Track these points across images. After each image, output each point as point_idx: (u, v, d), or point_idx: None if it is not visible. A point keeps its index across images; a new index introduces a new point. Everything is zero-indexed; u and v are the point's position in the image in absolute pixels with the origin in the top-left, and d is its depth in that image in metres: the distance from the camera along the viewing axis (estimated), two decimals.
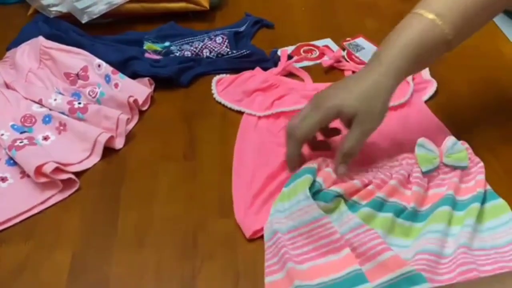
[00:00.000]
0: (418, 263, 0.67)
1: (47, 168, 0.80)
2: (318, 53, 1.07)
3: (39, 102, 0.93)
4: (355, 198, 0.75)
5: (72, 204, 0.81)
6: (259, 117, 0.93)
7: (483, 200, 0.74)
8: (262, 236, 0.74)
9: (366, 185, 0.76)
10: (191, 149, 0.89)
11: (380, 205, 0.73)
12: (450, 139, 0.78)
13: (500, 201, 0.75)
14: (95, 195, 0.82)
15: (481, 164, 0.78)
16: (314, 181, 0.74)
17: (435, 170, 0.77)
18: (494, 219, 0.73)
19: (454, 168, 0.77)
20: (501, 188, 0.78)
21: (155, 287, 0.69)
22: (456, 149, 0.78)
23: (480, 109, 0.93)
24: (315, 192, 0.73)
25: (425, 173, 0.76)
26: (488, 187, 0.77)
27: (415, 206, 0.74)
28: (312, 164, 0.75)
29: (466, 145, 0.79)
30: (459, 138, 0.84)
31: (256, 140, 0.89)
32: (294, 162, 0.77)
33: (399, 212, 0.73)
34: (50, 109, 0.92)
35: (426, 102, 0.95)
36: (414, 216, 0.74)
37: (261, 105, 0.95)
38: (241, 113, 0.94)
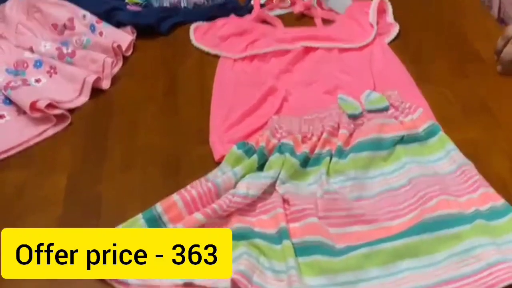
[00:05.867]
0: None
1: (41, 104, 0.88)
2: (289, 2, 1.15)
3: (30, 50, 1.00)
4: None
5: (65, 136, 0.89)
6: (235, 60, 1.01)
7: (429, 134, 0.81)
8: None
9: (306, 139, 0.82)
10: (172, 88, 0.97)
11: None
12: (366, 92, 0.87)
13: (442, 135, 0.81)
14: (85, 128, 0.90)
15: (415, 106, 0.84)
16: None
17: (360, 117, 0.84)
18: (439, 152, 0.80)
19: (376, 111, 0.84)
20: (454, 116, 0.85)
21: (142, 202, 0.76)
22: (372, 96, 0.86)
23: (436, 48, 1.01)
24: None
25: (350, 117, 0.83)
26: (431, 121, 0.83)
27: (341, 145, 0.81)
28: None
29: (395, 92, 0.86)
30: (417, 74, 0.93)
31: (232, 80, 0.97)
32: None
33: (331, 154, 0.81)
34: (41, 55, 0.99)
35: (389, 44, 1.02)
36: (341, 153, 0.81)
37: (236, 48, 1.02)
38: (217, 57, 1.02)
